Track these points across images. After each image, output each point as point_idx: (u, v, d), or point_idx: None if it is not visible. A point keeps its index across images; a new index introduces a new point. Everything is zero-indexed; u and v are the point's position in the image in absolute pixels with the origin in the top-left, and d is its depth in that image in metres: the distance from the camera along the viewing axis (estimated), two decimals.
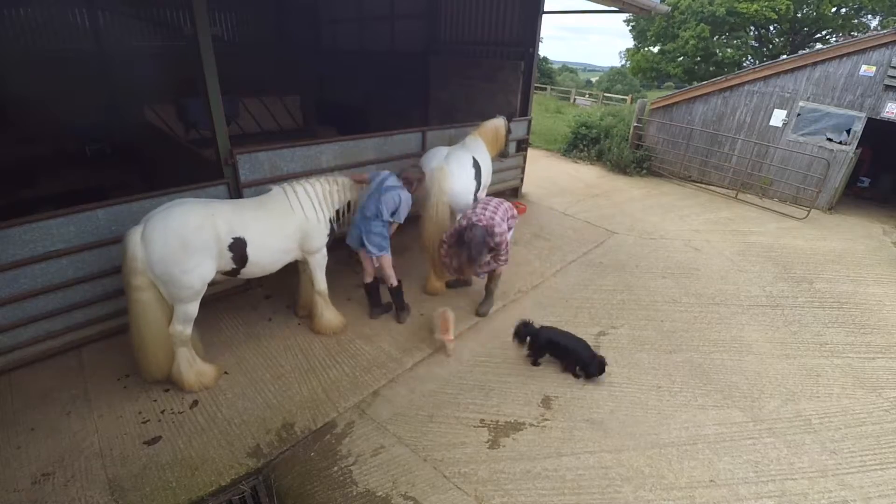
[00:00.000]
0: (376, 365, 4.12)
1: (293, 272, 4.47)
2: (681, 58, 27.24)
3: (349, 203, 4.36)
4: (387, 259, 4.46)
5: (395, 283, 4.60)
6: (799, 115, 9.20)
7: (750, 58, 26.41)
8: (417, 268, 5.68)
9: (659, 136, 11.21)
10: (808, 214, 8.69)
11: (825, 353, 4.71)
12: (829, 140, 8.95)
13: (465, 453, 3.32)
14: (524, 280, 5.68)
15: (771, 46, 27.26)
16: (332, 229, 4.21)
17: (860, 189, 10.61)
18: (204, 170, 4.76)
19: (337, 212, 4.26)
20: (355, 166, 5.67)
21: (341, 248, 5.86)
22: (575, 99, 26.95)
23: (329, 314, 4.43)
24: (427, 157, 5.31)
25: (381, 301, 4.82)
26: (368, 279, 4.66)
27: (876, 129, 8.77)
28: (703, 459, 3.39)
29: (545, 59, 38.36)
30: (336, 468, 3.17)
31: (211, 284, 3.62)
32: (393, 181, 4.34)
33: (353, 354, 4.24)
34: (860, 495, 3.20)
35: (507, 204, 4.69)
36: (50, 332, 3.90)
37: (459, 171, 5.08)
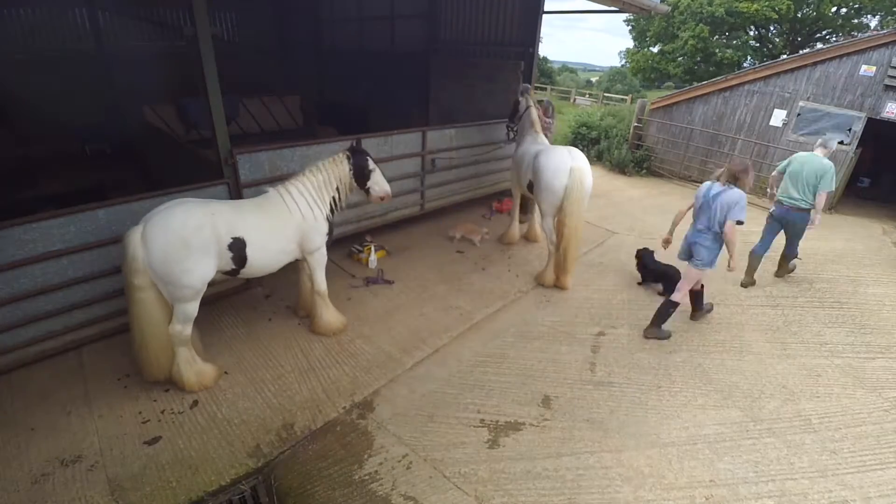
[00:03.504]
0: (376, 365, 4.12)
1: (293, 271, 4.47)
2: (680, 58, 27.23)
3: (338, 188, 4.06)
4: (699, 274, 4.52)
5: (679, 300, 4.63)
6: (799, 115, 9.20)
7: (750, 58, 26.39)
8: (415, 269, 5.70)
9: (659, 136, 11.21)
10: None
11: (825, 353, 4.71)
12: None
13: (465, 453, 3.32)
14: (524, 280, 5.68)
15: (771, 46, 27.25)
16: (330, 227, 4.14)
17: (860, 189, 10.61)
18: (204, 170, 4.76)
19: (333, 200, 4.08)
20: None
21: (342, 247, 5.89)
22: (575, 99, 26.95)
23: (329, 315, 4.42)
24: (546, 160, 5.22)
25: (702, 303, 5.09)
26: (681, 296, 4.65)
27: (876, 129, 8.77)
28: (703, 459, 3.39)
29: (545, 58, 38.34)
30: (336, 468, 3.17)
31: (210, 284, 3.62)
32: (717, 188, 4.25)
33: (353, 354, 4.24)
34: (860, 495, 3.20)
35: None
36: (50, 332, 3.89)
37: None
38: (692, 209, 4.53)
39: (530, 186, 5.51)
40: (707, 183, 4.42)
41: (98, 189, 6.13)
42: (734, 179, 4.21)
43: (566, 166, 5.09)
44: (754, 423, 3.75)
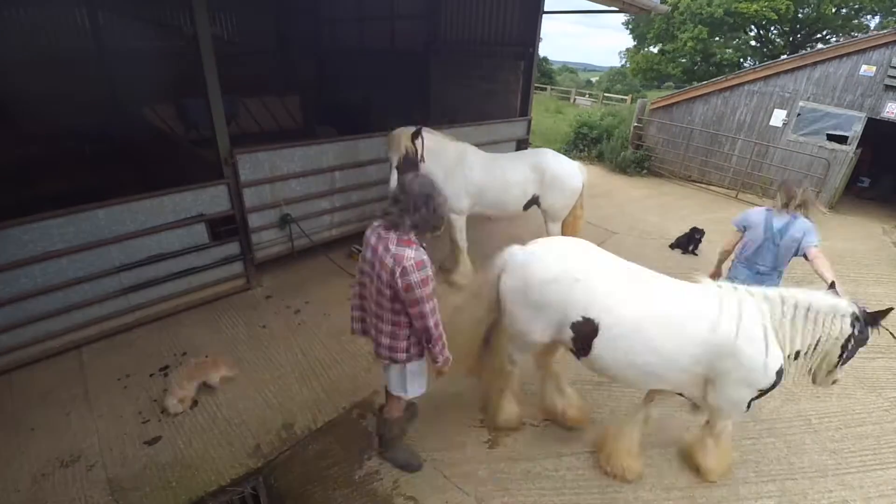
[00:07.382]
0: (376, 365, 4.11)
1: (295, 271, 4.44)
2: (681, 58, 27.23)
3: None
4: None
5: None
6: (799, 115, 9.21)
7: (750, 58, 26.39)
8: None
9: (659, 136, 11.21)
10: None
11: None
12: (831, 135, 8.94)
13: (465, 453, 3.32)
14: None
15: (771, 46, 27.25)
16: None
17: (860, 189, 10.61)
18: (204, 170, 4.76)
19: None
20: (355, 166, 5.67)
21: (342, 247, 5.87)
22: (575, 99, 26.94)
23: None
24: (557, 165, 5.02)
25: None
26: None
27: (876, 129, 8.77)
28: None
29: (545, 59, 38.31)
30: (336, 468, 3.17)
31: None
32: (780, 220, 3.55)
33: (353, 354, 4.23)
34: (860, 495, 3.20)
35: None
36: (50, 332, 3.90)
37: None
38: (742, 243, 3.77)
39: (534, 201, 5.09)
40: (759, 211, 3.70)
41: (98, 189, 6.11)
42: (802, 206, 3.53)
43: (573, 164, 5.16)
44: (754, 423, 3.75)
